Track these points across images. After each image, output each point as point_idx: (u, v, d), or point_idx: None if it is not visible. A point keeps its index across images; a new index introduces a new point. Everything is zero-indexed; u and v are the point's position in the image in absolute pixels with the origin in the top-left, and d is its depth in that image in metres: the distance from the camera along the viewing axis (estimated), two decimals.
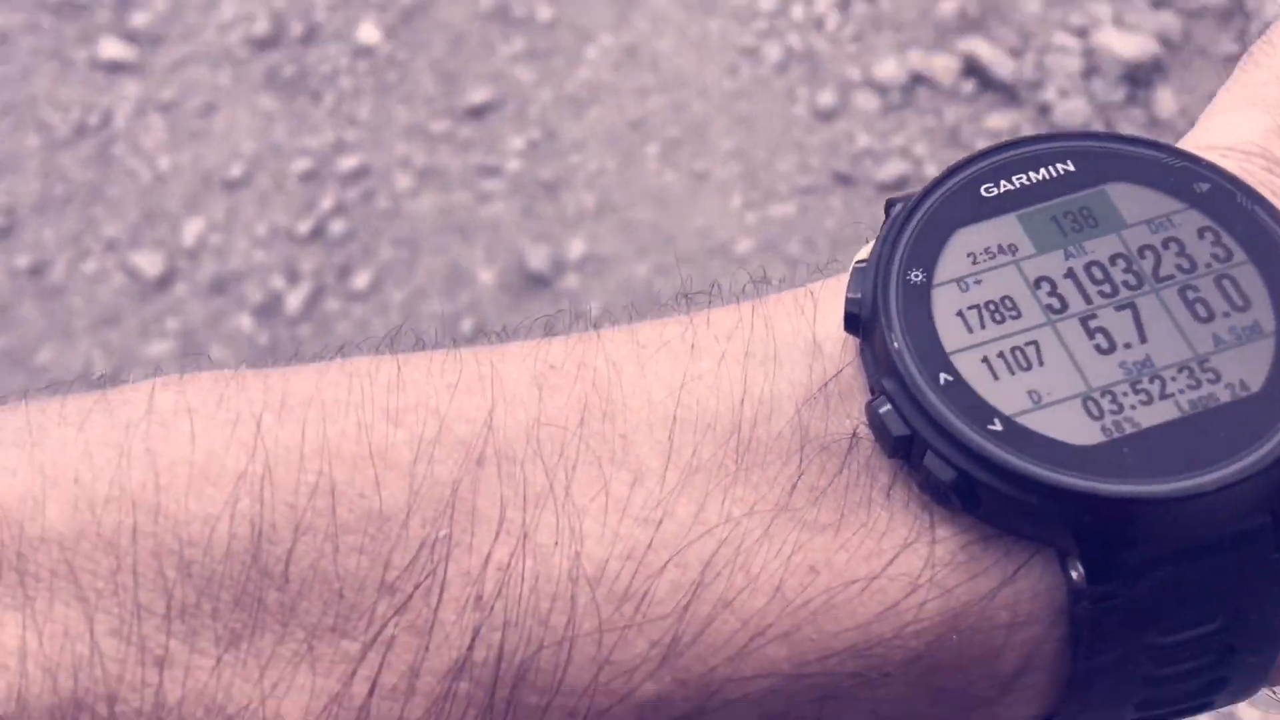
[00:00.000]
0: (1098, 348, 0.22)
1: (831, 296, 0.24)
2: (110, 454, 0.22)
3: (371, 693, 0.21)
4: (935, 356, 0.22)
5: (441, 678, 0.21)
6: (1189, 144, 0.25)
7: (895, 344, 0.22)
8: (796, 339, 0.24)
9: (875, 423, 0.22)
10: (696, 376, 0.23)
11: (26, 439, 0.22)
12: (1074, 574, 0.21)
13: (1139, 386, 0.21)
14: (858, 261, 0.24)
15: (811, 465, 0.23)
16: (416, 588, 0.22)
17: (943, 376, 0.22)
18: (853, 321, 0.23)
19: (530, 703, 0.22)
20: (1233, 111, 0.25)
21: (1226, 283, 0.22)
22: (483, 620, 0.21)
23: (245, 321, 1.23)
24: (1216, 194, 0.23)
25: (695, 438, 0.23)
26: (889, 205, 0.24)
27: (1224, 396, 0.21)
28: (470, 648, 0.21)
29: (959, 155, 0.22)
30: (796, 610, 0.22)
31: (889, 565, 0.22)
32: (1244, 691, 0.24)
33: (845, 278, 0.25)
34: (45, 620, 0.21)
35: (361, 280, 1.24)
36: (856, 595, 0.22)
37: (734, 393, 0.23)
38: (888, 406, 0.22)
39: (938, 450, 0.21)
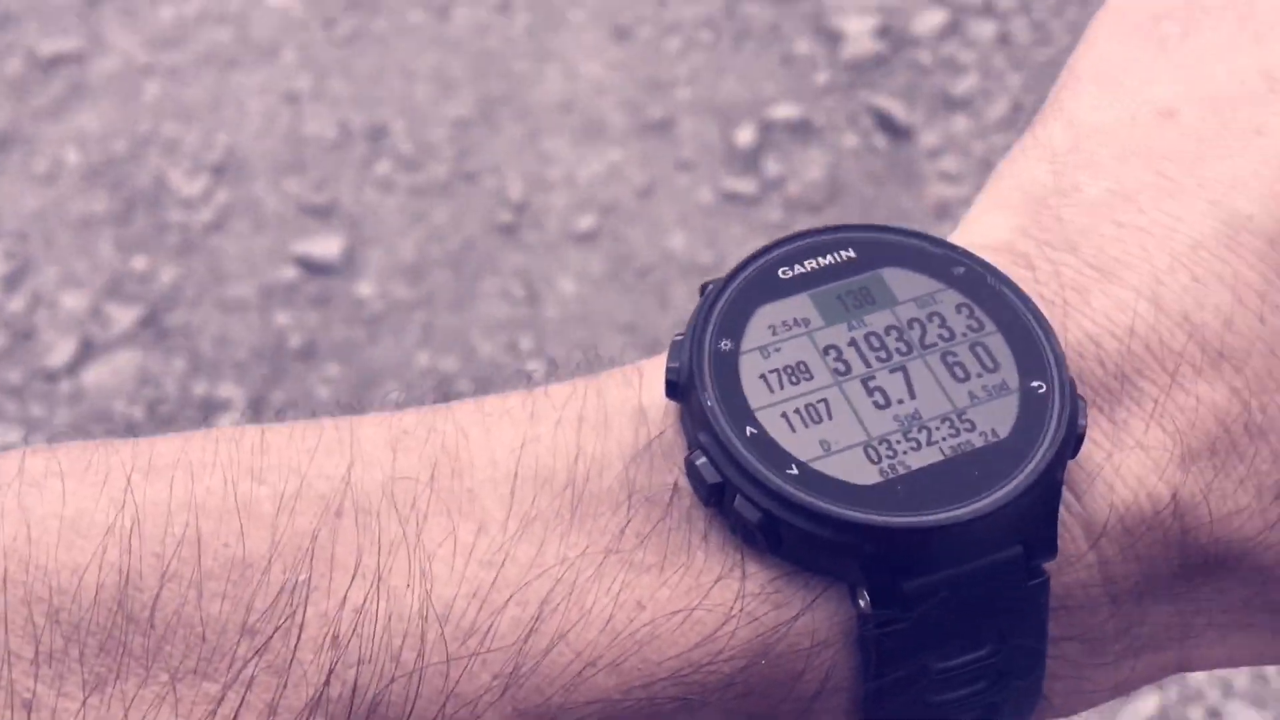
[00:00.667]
0: (876, 404, 0.26)
1: (655, 371, 0.28)
2: None
3: None
4: (742, 413, 0.25)
5: (298, 714, 0.23)
6: (953, 241, 0.30)
7: (709, 402, 0.25)
8: (624, 406, 0.27)
9: (692, 473, 0.25)
10: (535, 439, 0.26)
11: None
12: (861, 602, 0.25)
13: (910, 435, 0.25)
14: (676, 335, 0.27)
15: (638, 514, 0.25)
16: (276, 629, 0.23)
17: (749, 430, 0.25)
18: (672, 388, 0.26)
19: None
20: (985, 215, 0.30)
21: (980, 349, 0.26)
22: (338, 658, 0.23)
23: None
24: (970, 276, 0.27)
25: (534, 491, 0.25)
26: (703, 287, 0.28)
27: (979, 442, 0.25)
28: (326, 684, 0.23)
29: None
30: (624, 641, 0.24)
31: (705, 598, 0.25)
32: (1016, 718, 0.28)
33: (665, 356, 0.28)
34: None
35: None
36: (678, 626, 0.24)
37: (569, 453, 0.26)
38: (703, 458, 0.25)
39: (745, 494, 0.25)
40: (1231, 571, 0.27)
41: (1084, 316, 0.27)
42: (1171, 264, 0.27)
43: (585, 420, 0.27)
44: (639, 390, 0.27)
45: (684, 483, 0.26)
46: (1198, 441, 0.26)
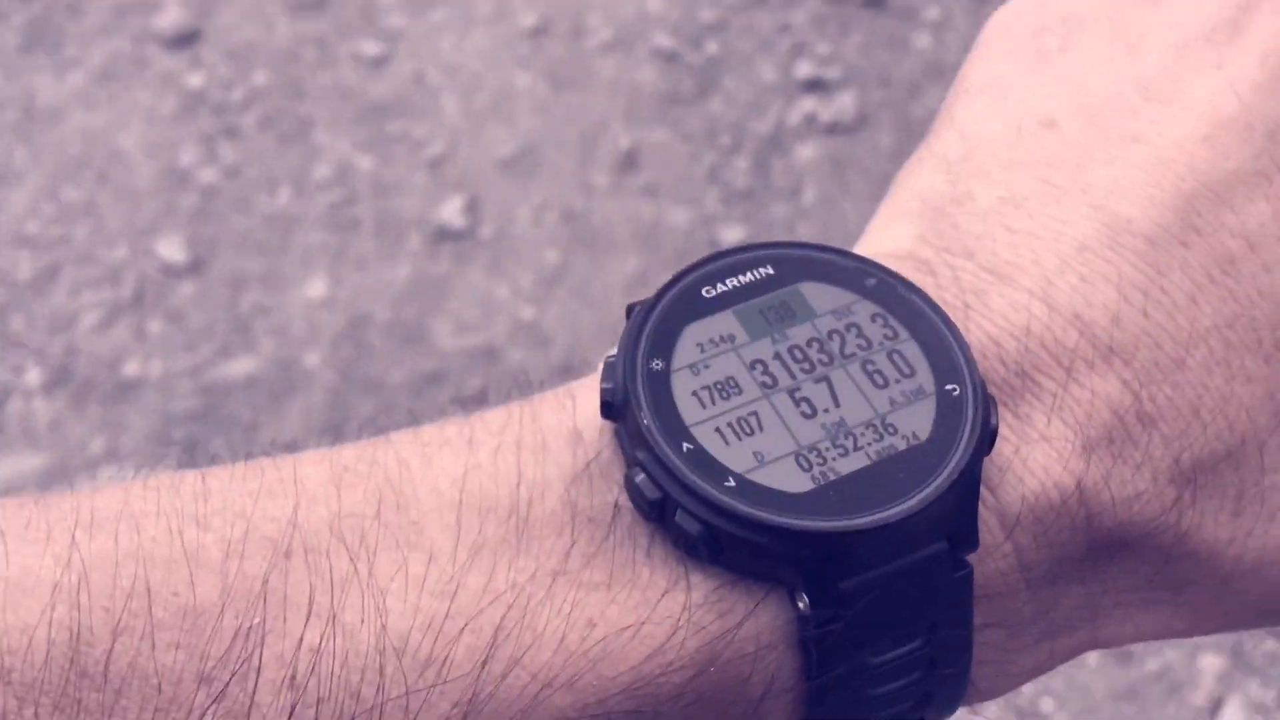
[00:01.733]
0: (803, 414, 0.27)
1: (587, 392, 0.28)
2: None
3: None
4: (677, 430, 0.26)
5: None
6: (859, 250, 0.31)
7: (645, 421, 0.26)
8: (560, 429, 0.28)
9: (633, 490, 0.26)
10: (476, 467, 0.27)
11: None
12: (801, 604, 0.26)
13: (837, 442, 0.27)
14: (607, 358, 0.28)
15: (582, 535, 0.26)
16: (233, 675, 0.23)
17: (685, 445, 0.26)
18: (608, 408, 0.27)
19: None
20: (888, 223, 0.32)
21: (896, 356, 0.28)
22: (298, 699, 0.24)
23: None
24: (882, 286, 0.29)
25: (479, 519, 0.26)
26: (629, 310, 0.29)
27: (901, 445, 0.27)
28: None
29: None
30: (578, 660, 0.25)
31: (653, 611, 0.26)
32: (947, 705, 0.29)
33: (596, 377, 0.29)
34: None
35: None
36: (629, 641, 0.25)
37: (510, 479, 0.27)
38: (642, 475, 0.26)
39: (685, 508, 0.25)
40: (1134, 552, 0.29)
41: (984, 318, 0.29)
42: (1060, 266, 0.29)
43: (523, 445, 0.27)
44: (573, 413, 0.28)
45: (624, 501, 0.27)
46: (1095, 432, 0.28)
